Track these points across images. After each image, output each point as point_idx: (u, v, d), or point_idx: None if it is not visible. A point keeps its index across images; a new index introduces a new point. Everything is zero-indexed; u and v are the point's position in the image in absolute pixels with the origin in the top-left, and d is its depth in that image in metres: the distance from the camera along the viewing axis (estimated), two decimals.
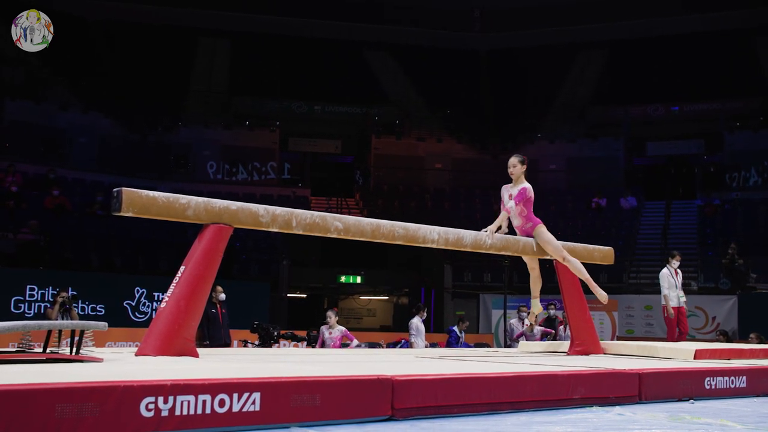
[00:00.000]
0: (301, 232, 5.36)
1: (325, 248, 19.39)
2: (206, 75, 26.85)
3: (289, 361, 4.95)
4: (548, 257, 6.98)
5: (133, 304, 14.34)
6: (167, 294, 4.77)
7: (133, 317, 14.19)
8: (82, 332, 4.21)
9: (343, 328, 10.51)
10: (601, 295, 6.92)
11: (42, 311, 12.92)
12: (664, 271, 10.26)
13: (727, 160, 23.67)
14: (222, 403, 3.18)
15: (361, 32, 28.41)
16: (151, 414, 2.99)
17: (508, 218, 6.81)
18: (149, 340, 4.64)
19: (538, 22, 28.33)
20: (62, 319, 10.47)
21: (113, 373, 3.40)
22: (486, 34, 29.64)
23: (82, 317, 12.76)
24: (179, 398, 3.07)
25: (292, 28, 27.64)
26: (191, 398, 3.10)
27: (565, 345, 7.27)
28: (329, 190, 23.99)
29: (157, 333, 4.64)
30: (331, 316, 10.46)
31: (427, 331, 13.36)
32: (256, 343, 11.00)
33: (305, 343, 11.19)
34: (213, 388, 3.17)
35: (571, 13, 28.11)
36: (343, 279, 19.78)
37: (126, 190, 4.58)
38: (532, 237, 6.78)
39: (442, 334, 17.24)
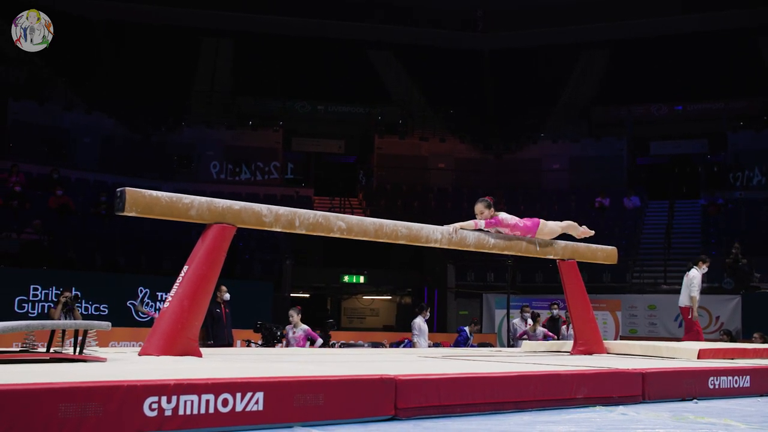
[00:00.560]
0: (304, 232, 5.35)
1: (328, 248, 19.40)
2: (209, 75, 26.87)
3: (293, 361, 4.95)
4: (551, 257, 6.97)
5: (137, 303, 14.35)
6: (170, 294, 4.77)
7: (136, 317, 14.20)
8: (85, 332, 4.21)
9: (307, 327, 10.39)
10: (589, 231, 7.01)
11: (45, 311, 12.94)
12: (695, 273, 10.08)
13: (731, 160, 23.63)
14: (225, 403, 3.18)
15: (364, 32, 28.42)
16: (154, 414, 2.99)
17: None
18: (152, 340, 4.64)
19: (540, 22, 28.32)
20: (65, 318, 10.48)
21: (116, 372, 3.40)
22: (489, 34, 29.63)
23: (85, 317, 12.76)
24: (182, 398, 3.07)
25: (295, 28, 27.66)
26: (194, 398, 3.10)
27: (569, 344, 7.26)
28: (332, 189, 23.98)
29: (161, 333, 4.64)
30: (294, 315, 10.35)
31: (430, 330, 13.35)
32: (260, 342, 11.02)
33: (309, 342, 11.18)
34: (216, 387, 3.17)
35: (573, 13, 28.10)
36: (346, 279, 19.79)
37: (129, 190, 4.59)
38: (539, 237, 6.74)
39: (445, 333, 17.26)
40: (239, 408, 3.21)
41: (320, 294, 21.61)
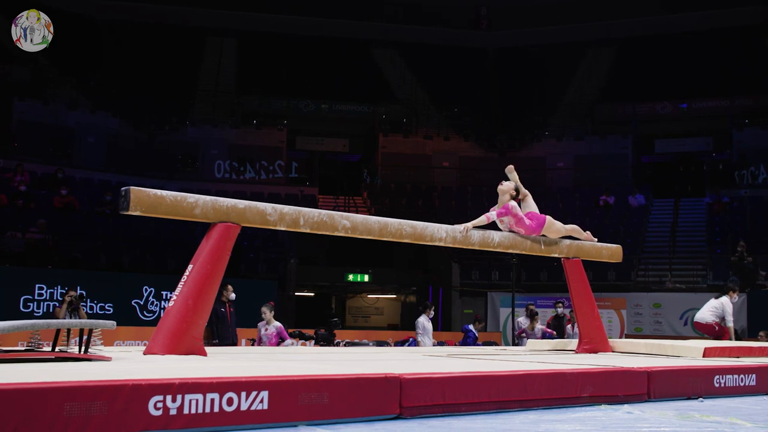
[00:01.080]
0: (308, 231, 5.36)
1: (333, 247, 19.40)
2: (214, 74, 26.90)
3: (297, 360, 4.95)
4: (556, 255, 6.96)
5: (142, 302, 14.38)
6: (175, 293, 4.78)
7: (141, 316, 14.22)
8: (90, 331, 4.22)
9: (279, 324, 10.15)
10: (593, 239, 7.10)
11: (50, 310, 12.96)
12: (727, 301, 10.04)
13: (736, 158, 23.57)
14: (230, 402, 3.18)
15: (369, 30, 28.41)
16: (159, 412, 3.00)
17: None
18: (157, 339, 4.65)
19: (545, 20, 28.29)
20: (70, 317, 10.50)
21: (121, 371, 3.41)
22: (493, 32, 29.60)
23: (90, 316, 12.79)
24: (187, 397, 3.07)
25: (299, 27, 27.68)
26: (199, 397, 3.10)
27: (574, 343, 7.26)
28: (337, 188, 23.99)
29: (166, 332, 4.65)
30: (266, 312, 10.07)
31: (435, 329, 13.35)
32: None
33: (313, 341, 11.19)
34: (221, 386, 3.18)
35: (579, 11, 28.05)
36: (350, 277, 19.79)
37: (134, 189, 4.59)
38: (544, 236, 6.74)
39: (450, 332, 17.24)
40: (244, 407, 3.21)
41: (325, 293, 21.61)
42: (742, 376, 5.44)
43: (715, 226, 20.98)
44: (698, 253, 20.27)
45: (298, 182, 24.17)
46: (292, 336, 10.97)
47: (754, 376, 5.53)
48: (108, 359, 4.13)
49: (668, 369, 5.14)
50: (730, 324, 9.92)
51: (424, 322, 12.47)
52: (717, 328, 9.95)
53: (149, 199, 4.64)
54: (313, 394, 3.42)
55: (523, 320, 13.48)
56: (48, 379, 2.90)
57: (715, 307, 10.04)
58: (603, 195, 22.49)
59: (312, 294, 21.25)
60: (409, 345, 13.36)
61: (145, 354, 4.63)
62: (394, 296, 22.47)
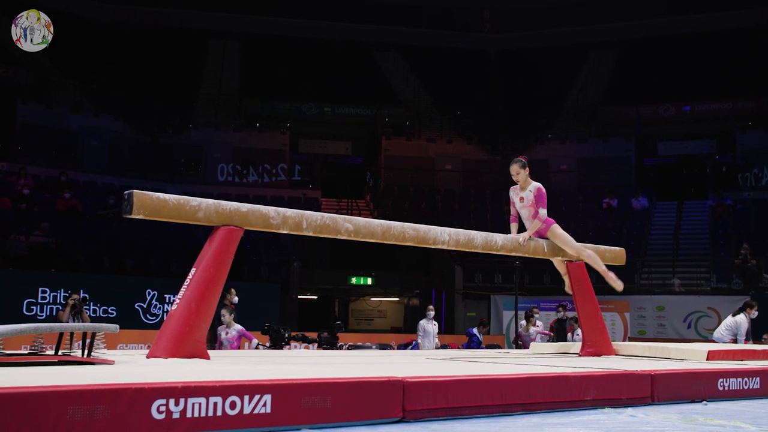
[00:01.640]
0: (311, 234, 5.36)
1: (336, 250, 19.41)
2: (216, 77, 26.94)
3: (300, 363, 4.95)
4: (560, 258, 6.95)
5: (145, 306, 14.39)
6: (178, 296, 4.78)
7: (144, 319, 14.23)
8: (93, 334, 4.22)
9: (241, 327, 9.85)
10: (618, 284, 6.90)
11: (54, 313, 12.97)
12: (742, 319, 10.00)
13: (739, 160, 23.53)
14: (233, 405, 3.18)
15: (371, 33, 28.45)
16: (162, 416, 3.00)
17: (520, 219, 6.78)
18: (160, 342, 4.65)
19: (548, 22, 28.30)
20: (73, 321, 10.51)
21: (124, 375, 3.41)
22: (496, 35, 29.63)
23: (93, 319, 12.80)
24: (190, 400, 3.07)
25: (302, 30, 27.72)
26: (202, 400, 3.10)
27: (577, 346, 7.24)
28: (339, 191, 23.99)
29: (169, 335, 4.66)
30: (225, 315, 9.75)
31: (438, 332, 13.35)
32: (267, 344, 11.01)
33: (316, 344, 11.18)
34: (224, 390, 3.17)
35: (581, 13, 28.07)
36: (353, 280, 19.80)
37: (137, 193, 4.60)
38: (546, 238, 6.75)
39: (453, 335, 17.23)
40: (247, 410, 3.21)
41: (328, 296, 21.61)
42: (746, 379, 5.43)
43: (718, 229, 20.95)
44: (701, 256, 20.24)
45: (301, 185, 24.17)
46: (294, 339, 10.97)
47: (758, 379, 5.51)
48: (111, 363, 4.13)
49: (672, 372, 5.12)
50: (741, 340, 9.90)
51: (424, 324, 12.48)
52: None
53: (152, 203, 4.64)
54: (316, 398, 3.42)
55: (524, 323, 13.49)
56: (51, 383, 2.90)
57: (730, 326, 10.03)
58: (606, 197, 22.47)
59: (315, 297, 21.25)
60: (412, 348, 13.37)
61: (148, 357, 4.63)
62: (397, 299, 22.46)
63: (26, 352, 4.36)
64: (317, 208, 19.51)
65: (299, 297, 18.65)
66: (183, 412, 3.05)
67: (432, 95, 27.53)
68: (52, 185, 18.71)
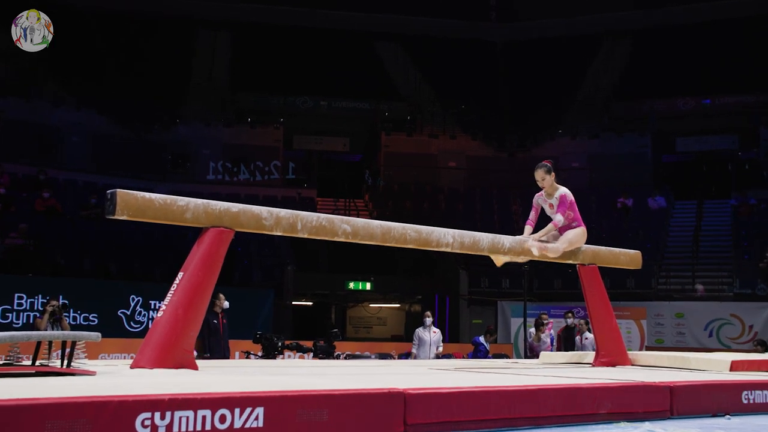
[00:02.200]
0: (306, 236, 5.36)
1: (333, 253, 19.43)
2: (206, 69, 26.95)
3: (295, 374, 4.95)
4: (571, 261, 6.95)
5: (129, 313, 14.39)
6: (165, 302, 4.78)
7: (128, 327, 14.23)
8: (73, 343, 4.21)
9: None
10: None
11: (31, 321, 12.96)
12: None
13: (764, 156, 23.56)
14: (223, 419, 3.17)
15: (371, 22, 28.45)
16: (147, 430, 2.99)
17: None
18: (145, 352, 4.65)
19: (558, 11, 28.30)
20: (52, 329, 10.50)
21: (107, 386, 3.40)
22: (503, 24, 29.64)
23: (73, 327, 12.79)
24: (177, 414, 3.06)
25: (297, 19, 27.71)
26: (190, 414, 3.10)
27: (590, 356, 7.24)
28: (337, 190, 24.02)
29: (154, 344, 4.65)
30: None
31: (443, 340, 13.33)
32: (259, 354, 11.00)
33: (312, 354, 11.18)
34: (213, 402, 3.17)
35: (593, 1, 28.05)
36: (351, 285, 19.80)
37: (121, 192, 4.60)
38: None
39: (458, 344, 17.23)
40: (238, 425, 3.20)
41: (324, 302, 21.62)
42: None
43: (741, 230, 20.94)
44: (723, 259, 20.25)
45: (295, 184, 24.19)
46: (288, 348, 10.97)
47: None
48: (92, 374, 4.12)
49: (692, 384, 5.12)
50: None
51: (420, 333, 12.46)
52: None
53: (137, 203, 4.64)
54: (312, 411, 3.41)
55: (532, 331, 13.48)
56: (28, 395, 2.89)
57: None
58: (621, 197, 22.47)
59: (310, 303, 21.26)
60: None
61: (132, 368, 4.63)
62: (398, 305, 22.47)
63: (1, 362, 4.35)
64: (313, 209, 19.51)
65: (293, 303, 18.65)
66: (169, 426, 3.04)
67: (435, 88, 27.55)
68: (31, 184, 18.71)
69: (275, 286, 17.33)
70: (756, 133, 24.19)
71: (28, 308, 13.49)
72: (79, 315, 13.84)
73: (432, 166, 25.40)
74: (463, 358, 13.62)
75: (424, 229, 5.96)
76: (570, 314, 13.42)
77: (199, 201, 4.93)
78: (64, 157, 21.59)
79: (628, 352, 7.20)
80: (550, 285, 18.70)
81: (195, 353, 6.02)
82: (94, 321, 13.88)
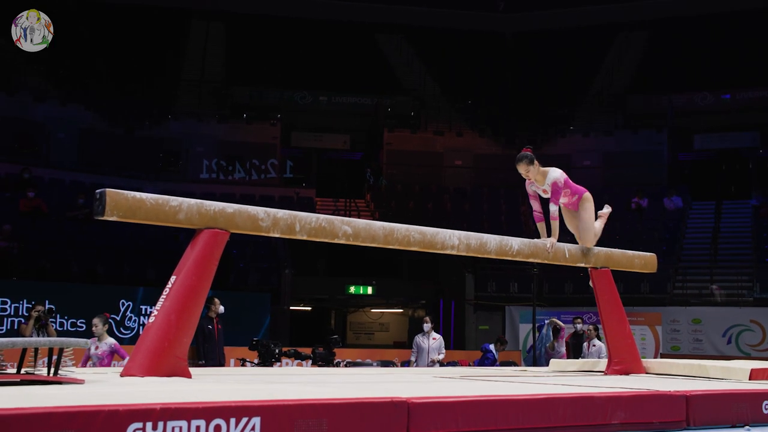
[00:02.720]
0: (305, 238, 5.37)
1: (333, 255, 19.43)
2: (199, 62, 26.94)
3: (293, 382, 4.96)
4: (582, 264, 6.95)
5: (118, 318, 14.40)
6: (156, 307, 4.79)
7: (117, 333, 14.23)
8: (60, 350, 4.22)
9: (113, 342, 9.09)
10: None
11: (15, 327, 12.97)
12: None
13: None
14: (218, 429, 3.18)
15: (373, 13, 28.43)
16: None
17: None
18: (136, 359, 4.66)
19: (569, 1, 28.26)
20: (38, 335, 10.52)
21: (96, 395, 3.41)
22: (511, 15, 29.59)
23: (60, 333, 12.81)
24: (170, 424, 3.08)
25: (295, 9, 27.69)
26: (183, 424, 3.11)
27: (602, 364, 7.24)
28: (337, 190, 24.02)
29: (145, 351, 4.66)
30: (98, 324, 8.95)
31: (447, 347, 13.34)
32: (256, 361, 11.03)
33: (310, 361, 11.20)
34: (208, 412, 3.18)
35: None
36: (352, 290, 19.80)
37: (110, 192, 4.60)
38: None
39: (463, 351, 17.24)
40: None
41: (323, 307, 21.63)
42: None
43: (762, 232, 20.93)
44: (743, 262, 20.23)
45: (293, 183, 24.20)
46: (286, 355, 10.98)
47: None
48: (81, 382, 4.14)
49: (710, 393, 5.12)
50: None
51: (419, 340, 12.46)
52: None
53: (127, 203, 4.65)
54: (311, 421, 3.42)
55: (548, 333, 13.49)
56: (13, 405, 2.90)
57: None
58: (635, 197, 22.46)
59: (309, 308, 21.26)
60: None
61: (122, 376, 4.64)
62: (401, 310, 22.47)
63: None
64: (312, 209, 19.52)
65: (291, 308, 18.67)
66: None
67: (440, 83, 27.53)
68: (14, 183, 18.72)
69: (272, 291, 17.34)
70: None
71: (12, 314, 13.50)
72: (66, 320, 13.86)
73: (437, 164, 25.40)
74: (469, 365, 13.62)
75: (429, 230, 5.97)
76: (579, 320, 13.44)
77: (193, 201, 4.94)
78: (50, 155, 21.59)
79: (642, 359, 7.21)
80: (560, 289, 18.70)
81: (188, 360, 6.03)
82: (81, 327, 13.88)
